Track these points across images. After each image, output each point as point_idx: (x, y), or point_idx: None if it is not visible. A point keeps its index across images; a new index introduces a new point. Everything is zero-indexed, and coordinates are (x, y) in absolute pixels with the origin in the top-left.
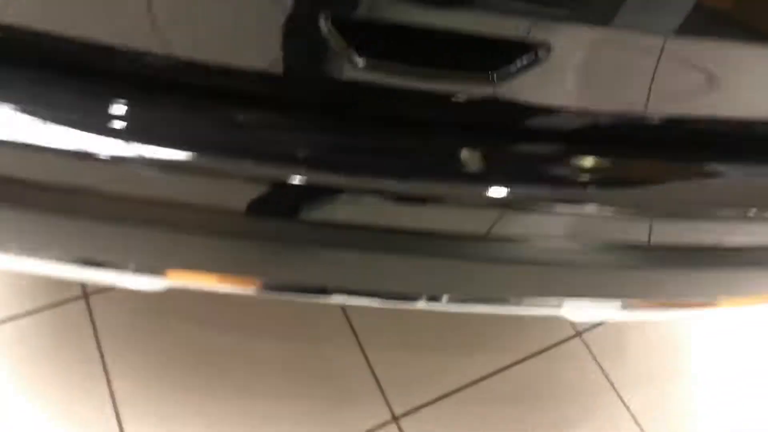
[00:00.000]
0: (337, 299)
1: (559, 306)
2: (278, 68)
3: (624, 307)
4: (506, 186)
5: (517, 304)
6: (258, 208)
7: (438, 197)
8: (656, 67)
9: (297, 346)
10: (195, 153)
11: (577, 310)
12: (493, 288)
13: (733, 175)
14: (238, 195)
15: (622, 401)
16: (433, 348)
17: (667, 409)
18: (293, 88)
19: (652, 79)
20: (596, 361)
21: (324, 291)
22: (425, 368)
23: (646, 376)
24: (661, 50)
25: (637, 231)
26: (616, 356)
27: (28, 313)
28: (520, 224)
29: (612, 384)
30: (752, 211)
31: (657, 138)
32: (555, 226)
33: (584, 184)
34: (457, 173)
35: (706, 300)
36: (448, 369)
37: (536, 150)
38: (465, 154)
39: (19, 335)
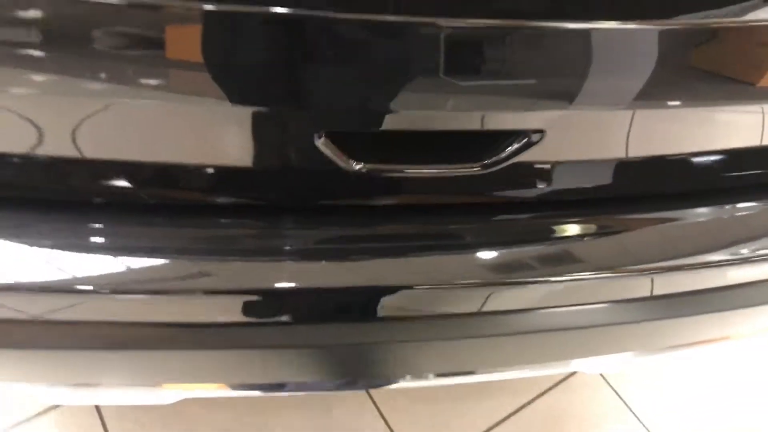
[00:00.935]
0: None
1: (567, 364)
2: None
3: (637, 355)
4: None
5: (531, 368)
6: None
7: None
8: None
9: (312, 411)
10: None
11: (588, 365)
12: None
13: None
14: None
15: (642, 423)
16: (447, 396)
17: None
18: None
19: None
20: (610, 385)
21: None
22: (440, 418)
23: (661, 393)
24: None
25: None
26: (632, 377)
27: (38, 415)
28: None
29: (629, 407)
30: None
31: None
32: (560, 294)
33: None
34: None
35: (718, 336)
36: (462, 416)
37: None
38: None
39: None
